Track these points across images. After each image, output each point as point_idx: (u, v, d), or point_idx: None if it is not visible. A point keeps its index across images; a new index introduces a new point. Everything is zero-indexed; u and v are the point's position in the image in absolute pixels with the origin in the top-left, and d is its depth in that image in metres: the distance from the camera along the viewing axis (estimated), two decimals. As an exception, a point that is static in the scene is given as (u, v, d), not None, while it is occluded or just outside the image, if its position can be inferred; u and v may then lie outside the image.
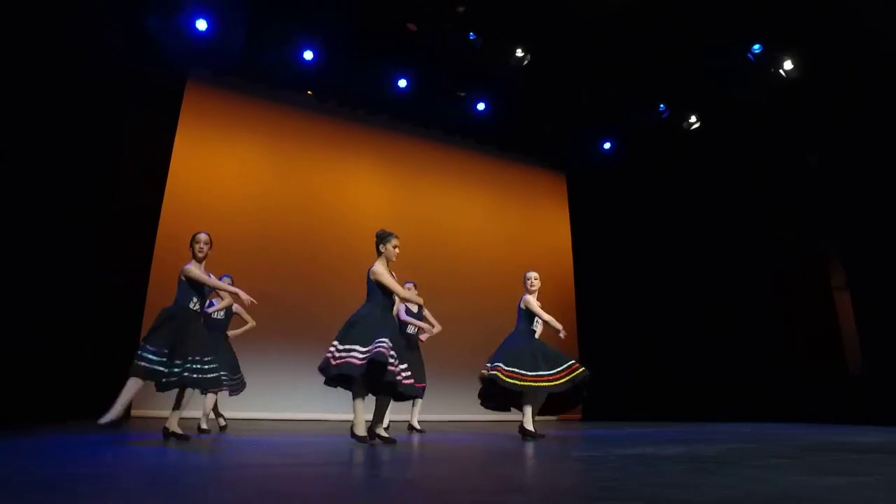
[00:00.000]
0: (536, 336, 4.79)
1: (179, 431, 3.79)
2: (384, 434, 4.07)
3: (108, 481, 2.07)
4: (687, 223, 10.15)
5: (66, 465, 2.43)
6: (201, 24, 7.44)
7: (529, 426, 4.48)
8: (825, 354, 8.33)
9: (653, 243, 10.35)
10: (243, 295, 4.02)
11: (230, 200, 8.40)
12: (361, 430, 3.85)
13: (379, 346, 3.72)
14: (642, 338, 9.90)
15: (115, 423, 3.56)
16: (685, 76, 8.70)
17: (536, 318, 4.78)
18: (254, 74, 8.51)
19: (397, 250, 4.25)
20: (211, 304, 5.29)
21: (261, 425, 6.29)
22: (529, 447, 3.85)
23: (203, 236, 4.06)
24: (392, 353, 3.75)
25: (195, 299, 3.92)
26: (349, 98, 9.25)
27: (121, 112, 7.25)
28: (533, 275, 4.94)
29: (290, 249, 8.56)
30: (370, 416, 3.93)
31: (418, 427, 5.79)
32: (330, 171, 9.38)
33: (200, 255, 4.00)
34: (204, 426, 4.89)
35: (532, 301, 4.80)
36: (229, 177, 8.53)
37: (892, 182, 8.12)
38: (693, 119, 9.51)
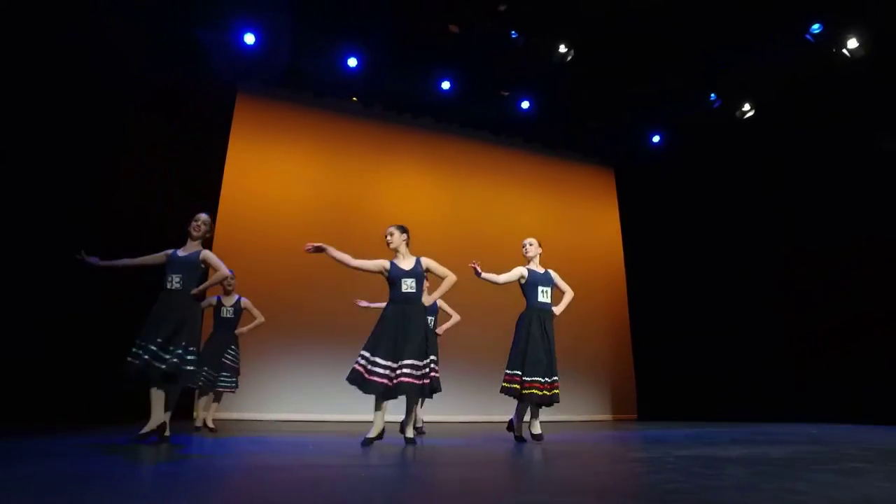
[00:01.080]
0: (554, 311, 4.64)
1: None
2: (410, 434, 4.07)
3: (119, 483, 2.14)
4: (743, 216, 9.72)
5: (88, 466, 2.53)
6: (249, 38, 7.69)
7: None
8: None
9: (706, 238, 9.98)
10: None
11: (281, 208, 8.63)
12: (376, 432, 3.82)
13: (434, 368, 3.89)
14: (697, 335, 9.54)
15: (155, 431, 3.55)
16: (737, 62, 8.35)
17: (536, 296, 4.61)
18: (300, 84, 8.72)
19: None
20: (217, 300, 5.39)
21: (294, 426, 6.41)
22: (581, 449, 3.77)
23: (203, 216, 4.06)
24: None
25: (173, 277, 3.81)
26: (394, 102, 9.36)
27: (174, 126, 7.55)
28: (527, 241, 4.89)
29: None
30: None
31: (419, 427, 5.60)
32: (377, 176, 9.50)
33: (196, 233, 3.98)
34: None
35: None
36: (280, 185, 8.77)
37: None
38: (747, 107, 9.12)
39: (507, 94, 9.29)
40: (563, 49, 8.12)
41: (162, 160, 7.44)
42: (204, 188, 7.92)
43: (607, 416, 9.91)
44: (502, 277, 4.55)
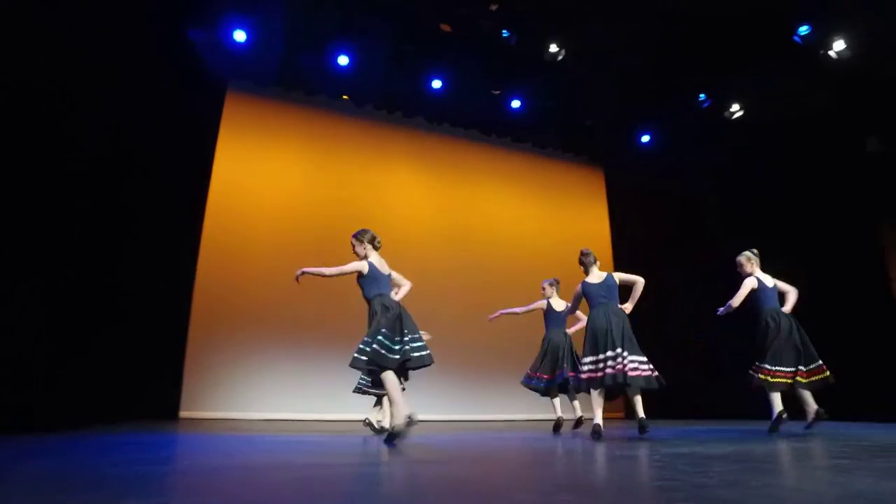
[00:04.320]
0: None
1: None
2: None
3: (139, 480, 2.14)
4: (732, 214, 9.82)
5: (115, 463, 2.53)
6: (239, 35, 7.65)
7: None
8: (885, 352, 7.93)
9: (694, 237, 10.07)
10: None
11: (271, 207, 8.62)
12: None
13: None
14: (683, 333, 9.62)
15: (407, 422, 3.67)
16: (726, 62, 8.42)
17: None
18: (291, 82, 8.68)
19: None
20: None
21: (288, 426, 6.41)
22: (572, 447, 3.81)
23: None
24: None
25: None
26: (385, 101, 9.35)
27: (163, 124, 7.48)
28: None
29: (332, 252, 8.68)
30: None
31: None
32: (368, 174, 9.50)
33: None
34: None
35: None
36: (270, 183, 8.74)
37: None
38: (736, 107, 9.21)
39: (498, 92, 9.30)
40: (554, 48, 8.15)
41: (150, 156, 7.38)
42: (192, 185, 7.90)
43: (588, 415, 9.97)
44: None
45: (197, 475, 2.26)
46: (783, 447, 3.40)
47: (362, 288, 4.14)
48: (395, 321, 3.91)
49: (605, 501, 1.68)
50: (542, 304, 5.95)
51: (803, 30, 7.64)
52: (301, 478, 2.18)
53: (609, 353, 4.42)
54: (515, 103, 9.36)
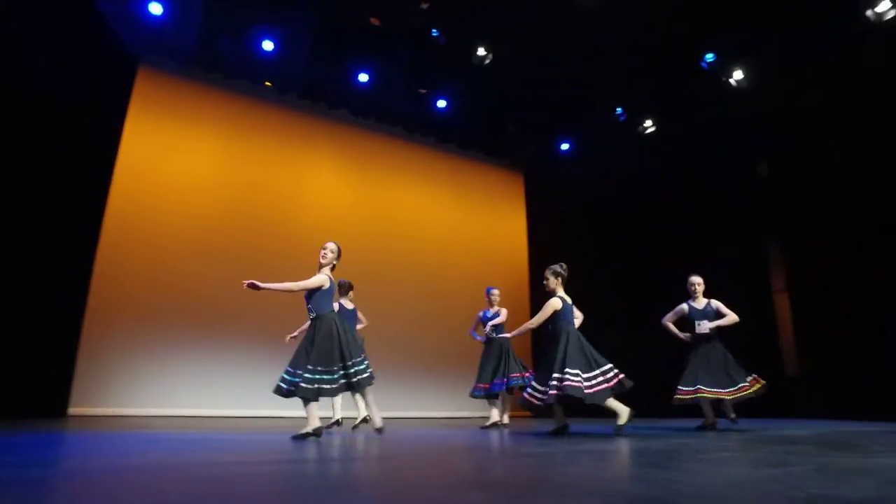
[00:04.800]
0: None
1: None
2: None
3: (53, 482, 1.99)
4: (640, 222, 10.42)
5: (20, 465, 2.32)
6: (155, 8, 7.20)
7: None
8: (764, 357, 8.71)
9: (606, 243, 10.58)
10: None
11: (182, 192, 8.17)
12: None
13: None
14: (592, 336, 10.08)
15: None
16: (642, 81, 8.94)
17: None
18: (211, 63, 8.28)
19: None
20: None
21: (190, 422, 6.14)
22: (485, 443, 3.90)
23: (331, 245, 4.32)
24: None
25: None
26: (309, 91, 9.11)
27: (64, 98, 6.89)
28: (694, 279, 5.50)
29: (245, 244, 8.38)
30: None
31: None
32: (288, 165, 9.24)
33: (323, 261, 4.27)
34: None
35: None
36: (182, 168, 8.29)
37: (831, 189, 8.60)
38: (649, 123, 9.78)
39: (424, 91, 9.33)
40: (482, 52, 8.29)
41: (47, 132, 6.75)
42: (94, 166, 7.32)
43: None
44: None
45: (80, 477, 2.11)
46: (679, 443, 3.66)
47: (316, 303, 4.15)
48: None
49: (506, 498, 1.74)
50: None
51: (709, 57, 8.24)
52: (196, 478, 2.10)
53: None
54: (441, 103, 9.44)
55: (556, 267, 4.79)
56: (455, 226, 10.76)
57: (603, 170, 10.75)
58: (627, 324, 9.95)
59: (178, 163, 8.25)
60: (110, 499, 1.64)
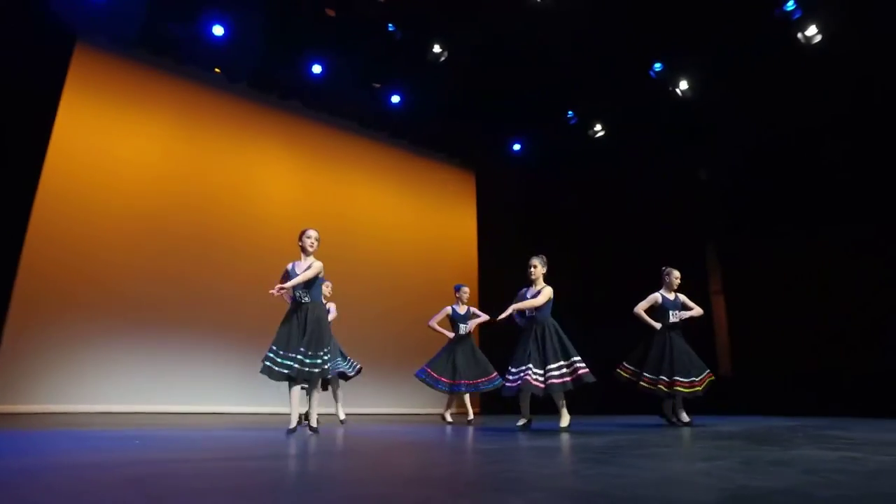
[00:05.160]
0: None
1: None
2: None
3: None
4: (587, 223, 10.70)
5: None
6: (97, -15, 6.84)
7: None
8: (701, 356, 9.11)
9: (555, 243, 10.79)
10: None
11: (122, 179, 7.81)
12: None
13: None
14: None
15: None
16: (593, 86, 9.16)
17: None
18: (156, 46, 7.93)
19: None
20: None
21: (120, 419, 5.92)
22: (437, 440, 3.93)
23: (312, 232, 4.37)
24: None
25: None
26: (261, 80, 8.87)
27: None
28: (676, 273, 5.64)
29: (189, 236, 8.10)
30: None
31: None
32: (237, 156, 8.98)
33: (310, 249, 4.35)
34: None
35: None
36: (122, 154, 7.91)
37: (764, 195, 9.07)
38: (598, 127, 10.03)
39: (378, 86, 9.27)
40: (437, 49, 8.30)
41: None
42: (23, 151, 6.86)
43: (451, 410, 10.32)
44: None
45: None
46: (620, 439, 3.79)
47: (316, 288, 4.29)
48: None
49: (446, 493, 1.76)
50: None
51: (657, 66, 8.54)
52: (122, 479, 2.02)
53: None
54: (395, 98, 9.39)
55: (544, 257, 4.98)
56: (407, 221, 10.73)
57: (553, 171, 10.97)
58: (569, 322, 10.20)
59: (118, 148, 7.87)
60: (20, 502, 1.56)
